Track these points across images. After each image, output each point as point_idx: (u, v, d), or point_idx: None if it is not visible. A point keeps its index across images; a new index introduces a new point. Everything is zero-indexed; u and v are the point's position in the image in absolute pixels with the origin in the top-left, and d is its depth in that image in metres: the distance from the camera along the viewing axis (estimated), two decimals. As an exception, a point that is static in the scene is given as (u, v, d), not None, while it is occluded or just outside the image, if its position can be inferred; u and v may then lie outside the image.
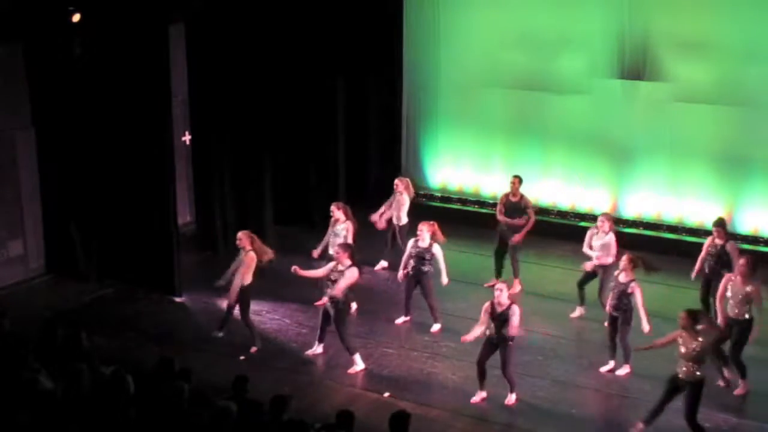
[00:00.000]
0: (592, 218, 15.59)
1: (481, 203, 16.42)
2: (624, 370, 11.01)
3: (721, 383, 10.68)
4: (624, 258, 10.91)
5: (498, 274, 13.34)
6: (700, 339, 9.38)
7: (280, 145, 15.50)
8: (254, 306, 12.84)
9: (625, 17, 14.84)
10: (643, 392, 10.57)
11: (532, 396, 10.64)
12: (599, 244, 12.14)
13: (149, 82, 12.76)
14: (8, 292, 13.05)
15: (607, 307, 11.09)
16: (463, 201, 16.35)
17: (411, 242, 12.15)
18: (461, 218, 15.71)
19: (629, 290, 10.75)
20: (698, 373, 9.41)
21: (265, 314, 12.60)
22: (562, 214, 15.65)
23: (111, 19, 12.65)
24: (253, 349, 11.57)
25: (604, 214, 12.54)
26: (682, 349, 9.41)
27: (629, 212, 15.31)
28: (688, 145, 14.75)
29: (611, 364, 11.11)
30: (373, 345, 11.78)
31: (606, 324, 11.27)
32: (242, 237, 11.50)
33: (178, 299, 13.10)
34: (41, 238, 13.74)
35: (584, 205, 15.74)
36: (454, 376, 10.94)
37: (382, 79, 16.66)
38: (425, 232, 11.97)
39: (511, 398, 10.43)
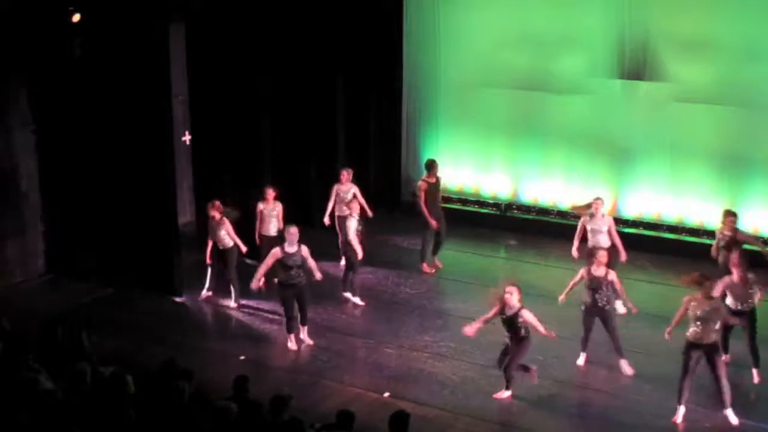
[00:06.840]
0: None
1: (481, 203, 16.43)
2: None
3: None
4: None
5: (423, 258, 14.06)
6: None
7: (280, 145, 15.50)
8: (254, 306, 12.88)
9: (625, 17, 14.83)
10: (643, 392, 10.58)
11: (532, 396, 10.64)
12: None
13: (149, 82, 12.75)
14: (8, 292, 13.05)
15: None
16: (463, 201, 16.34)
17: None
18: (461, 218, 15.70)
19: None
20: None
21: (265, 314, 12.59)
22: (562, 214, 15.63)
23: (111, 19, 12.66)
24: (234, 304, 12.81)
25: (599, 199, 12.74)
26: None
27: (629, 212, 15.30)
28: (688, 145, 14.74)
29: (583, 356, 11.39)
30: (373, 345, 11.79)
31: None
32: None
33: (178, 299, 13.10)
34: (41, 238, 13.74)
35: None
36: (454, 376, 10.93)
37: (381, 79, 16.64)
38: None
39: (504, 394, 10.49)
